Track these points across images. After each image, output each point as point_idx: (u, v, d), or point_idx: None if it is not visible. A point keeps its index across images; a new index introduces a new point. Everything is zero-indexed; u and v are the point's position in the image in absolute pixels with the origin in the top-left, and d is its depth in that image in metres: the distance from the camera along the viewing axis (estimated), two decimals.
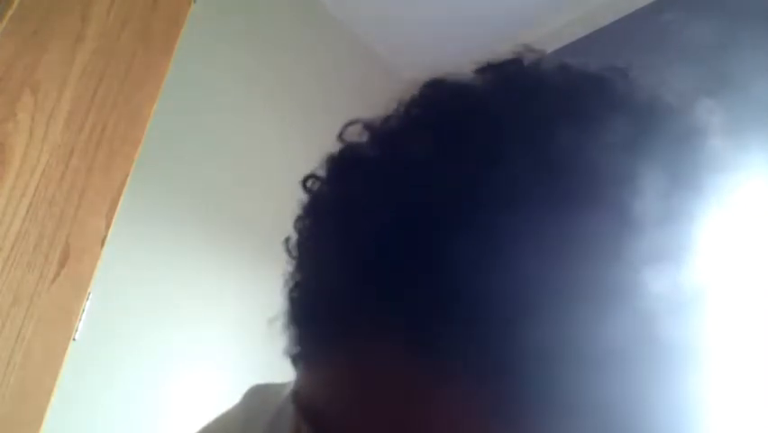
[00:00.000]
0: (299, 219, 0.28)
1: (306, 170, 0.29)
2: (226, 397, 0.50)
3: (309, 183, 0.28)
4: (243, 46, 1.66)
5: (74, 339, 0.89)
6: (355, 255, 0.24)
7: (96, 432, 1.16)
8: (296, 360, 0.28)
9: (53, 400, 0.84)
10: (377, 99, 0.29)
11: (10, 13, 0.87)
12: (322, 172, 0.28)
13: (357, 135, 0.27)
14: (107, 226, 0.94)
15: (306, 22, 1.88)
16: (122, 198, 0.97)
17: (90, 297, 0.92)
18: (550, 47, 1.77)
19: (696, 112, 0.27)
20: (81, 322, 0.91)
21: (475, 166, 0.22)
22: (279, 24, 1.79)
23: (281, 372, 0.33)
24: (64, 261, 0.88)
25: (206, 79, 1.53)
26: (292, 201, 0.30)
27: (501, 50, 0.30)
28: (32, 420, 0.82)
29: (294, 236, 0.29)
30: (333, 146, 0.28)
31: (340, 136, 0.28)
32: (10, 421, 0.80)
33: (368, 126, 0.27)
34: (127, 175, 0.98)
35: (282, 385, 0.45)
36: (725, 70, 1.32)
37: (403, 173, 0.24)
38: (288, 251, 0.29)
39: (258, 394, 0.47)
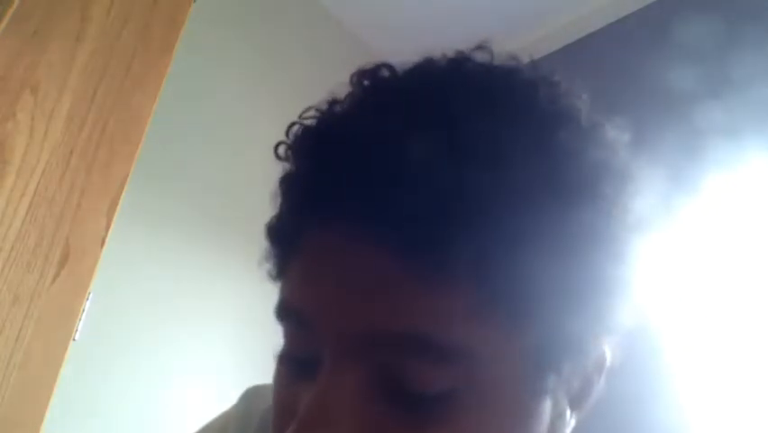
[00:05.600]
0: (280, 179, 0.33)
1: None
2: (226, 397, 0.50)
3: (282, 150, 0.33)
4: (243, 46, 1.66)
5: (74, 339, 0.89)
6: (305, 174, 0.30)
7: (95, 432, 1.16)
8: (276, 276, 0.33)
9: (53, 400, 0.84)
10: None
11: (10, 13, 0.87)
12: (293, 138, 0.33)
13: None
14: (107, 226, 0.94)
15: (306, 22, 1.88)
16: (122, 197, 0.97)
17: (90, 297, 0.92)
18: (550, 47, 1.76)
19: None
20: (81, 322, 0.91)
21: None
22: (279, 24, 1.78)
23: None
24: (64, 261, 0.88)
25: (206, 79, 1.53)
26: None
27: (502, 52, 0.31)
28: (32, 420, 0.82)
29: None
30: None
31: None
32: (10, 421, 0.80)
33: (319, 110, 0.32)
34: (127, 175, 0.98)
35: None
36: (725, 71, 1.31)
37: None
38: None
39: (254, 395, 0.48)
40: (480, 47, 0.32)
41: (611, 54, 1.61)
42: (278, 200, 0.32)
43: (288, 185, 0.32)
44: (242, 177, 1.54)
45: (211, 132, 1.51)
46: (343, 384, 0.27)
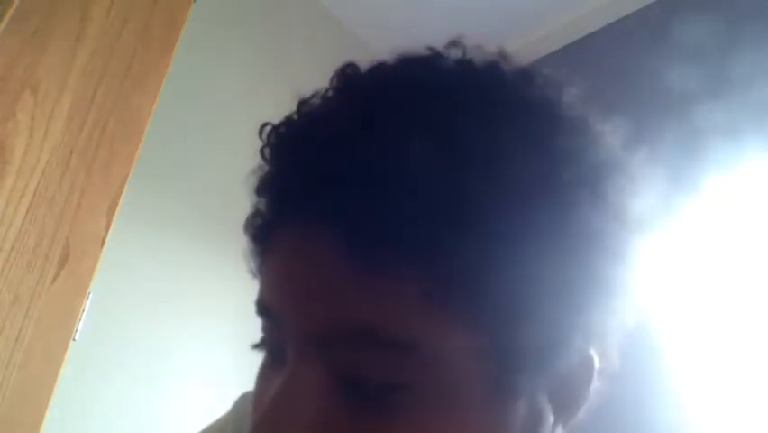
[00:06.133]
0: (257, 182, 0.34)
1: None
2: (226, 397, 0.50)
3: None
4: (243, 46, 1.66)
5: (74, 339, 0.89)
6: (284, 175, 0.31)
7: (95, 432, 1.16)
8: (256, 273, 0.34)
9: (53, 400, 0.84)
10: None
11: (10, 13, 0.87)
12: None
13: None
14: (107, 226, 0.94)
15: (306, 22, 1.88)
16: (122, 197, 0.97)
17: (90, 297, 0.92)
18: (550, 47, 1.76)
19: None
20: (81, 322, 0.91)
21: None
22: (279, 24, 1.79)
23: None
24: (64, 261, 0.88)
25: (206, 79, 1.53)
26: None
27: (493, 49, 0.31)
28: (32, 420, 0.82)
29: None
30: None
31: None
32: (10, 421, 0.80)
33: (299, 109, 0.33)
34: (127, 175, 0.98)
35: None
36: (725, 71, 1.31)
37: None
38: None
39: (247, 400, 0.47)
40: (453, 43, 0.31)
41: (611, 54, 1.61)
42: (253, 198, 0.34)
43: (258, 185, 0.34)
44: (243, 177, 1.54)
45: (211, 132, 1.51)
46: (303, 380, 0.27)
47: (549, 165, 0.27)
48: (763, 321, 1.15)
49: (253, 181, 0.34)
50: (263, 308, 0.32)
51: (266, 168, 0.33)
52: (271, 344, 0.32)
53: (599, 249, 0.28)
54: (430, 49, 0.31)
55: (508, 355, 0.27)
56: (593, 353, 0.31)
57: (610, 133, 0.31)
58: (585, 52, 1.71)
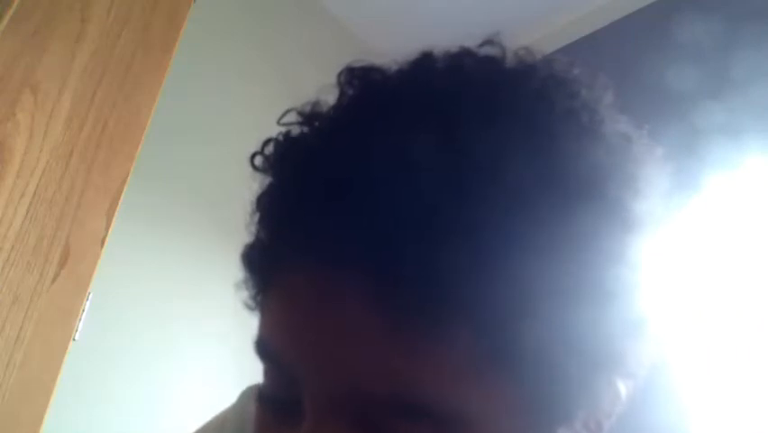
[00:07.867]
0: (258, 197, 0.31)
1: None
2: (227, 396, 0.50)
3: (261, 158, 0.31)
4: (244, 46, 1.66)
5: (74, 339, 0.89)
6: (284, 202, 0.28)
7: (95, 432, 1.16)
8: (254, 307, 0.31)
9: (53, 400, 0.84)
10: None
11: (10, 13, 0.87)
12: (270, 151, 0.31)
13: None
14: (107, 226, 0.94)
15: (307, 21, 1.88)
16: (122, 197, 0.97)
17: (90, 297, 0.92)
18: (550, 47, 1.76)
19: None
20: (81, 322, 0.91)
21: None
22: (280, 24, 1.78)
23: None
24: (64, 261, 0.88)
25: (206, 79, 1.53)
26: None
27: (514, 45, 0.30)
28: (32, 420, 0.82)
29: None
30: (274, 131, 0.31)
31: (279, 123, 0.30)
32: (10, 421, 0.79)
33: (302, 114, 0.30)
34: (127, 175, 0.98)
35: None
36: (725, 71, 1.31)
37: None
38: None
39: (252, 394, 0.47)
40: (488, 41, 0.29)
41: (611, 54, 1.61)
42: (254, 224, 0.30)
43: (265, 208, 0.29)
44: (243, 177, 1.54)
45: (211, 132, 1.51)
46: None
47: (551, 166, 0.25)
48: (763, 321, 1.15)
49: (253, 205, 0.30)
50: (270, 352, 0.28)
51: (273, 188, 0.29)
52: (279, 390, 0.28)
53: (635, 288, 0.26)
54: (462, 48, 0.28)
55: (554, 408, 0.26)
56: (620, 385, 0.29)
57: (623, 135, 0.29)
58: (585, 52, 1.71)
